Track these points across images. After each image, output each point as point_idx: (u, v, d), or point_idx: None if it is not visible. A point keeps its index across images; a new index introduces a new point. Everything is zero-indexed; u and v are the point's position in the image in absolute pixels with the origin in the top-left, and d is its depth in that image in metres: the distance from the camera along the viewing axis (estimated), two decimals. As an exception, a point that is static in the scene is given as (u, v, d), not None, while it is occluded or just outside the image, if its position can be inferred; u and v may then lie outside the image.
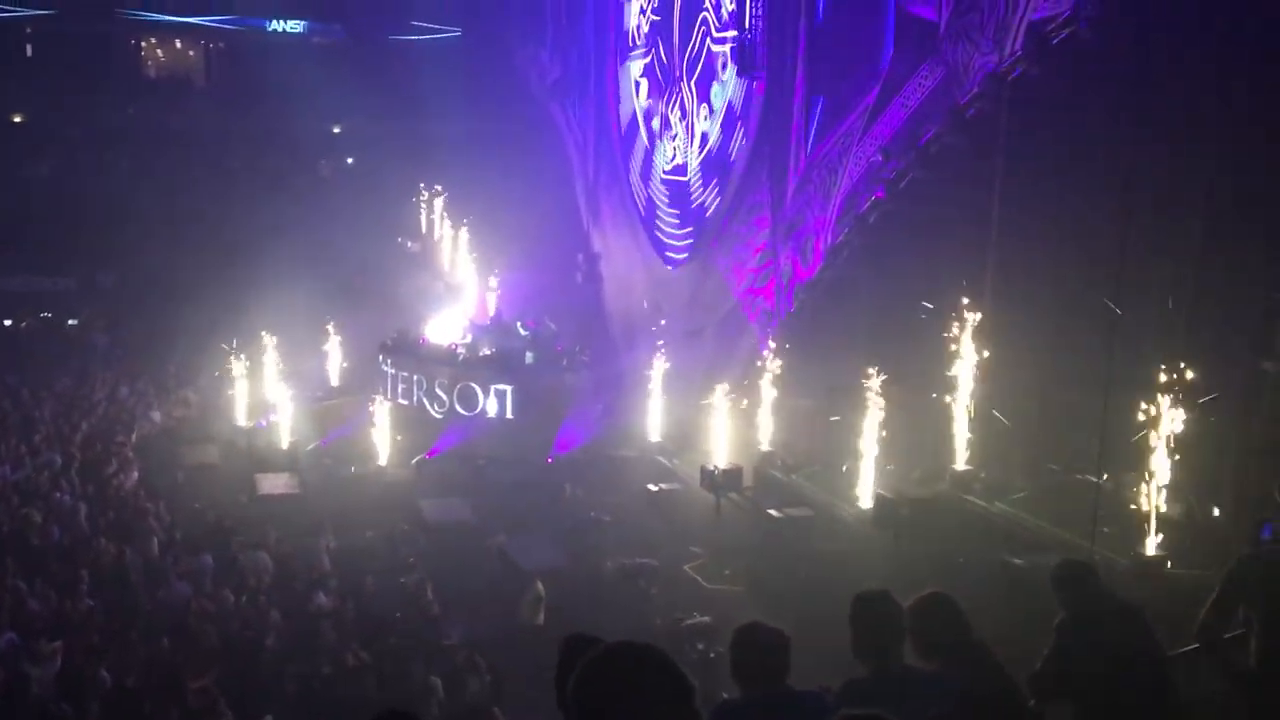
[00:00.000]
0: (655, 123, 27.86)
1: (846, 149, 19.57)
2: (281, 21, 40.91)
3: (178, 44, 43.24)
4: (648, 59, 28.09)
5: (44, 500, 16.96)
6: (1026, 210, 15.93)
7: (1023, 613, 9.18)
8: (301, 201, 35.36)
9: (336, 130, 41.41)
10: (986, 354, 16.04)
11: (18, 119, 40.04)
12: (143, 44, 42.90)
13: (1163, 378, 12.68)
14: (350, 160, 41.45)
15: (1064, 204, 15.32)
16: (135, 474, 19.46)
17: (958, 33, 16.70)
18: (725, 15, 23.72)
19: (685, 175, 26.38)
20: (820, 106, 20.61)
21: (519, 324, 25.09)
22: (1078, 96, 15.03)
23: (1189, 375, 12.63)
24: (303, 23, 41.12)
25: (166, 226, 32.38)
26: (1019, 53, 15.45)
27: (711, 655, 11.95)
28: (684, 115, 26.25)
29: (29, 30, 40.45)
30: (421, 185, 38.64)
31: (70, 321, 32.14)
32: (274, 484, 20.24)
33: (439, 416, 23.08)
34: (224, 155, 39.36)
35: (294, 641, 12.85)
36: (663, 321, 23.19)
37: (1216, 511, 13.42)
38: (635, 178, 29.35)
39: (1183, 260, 13.89)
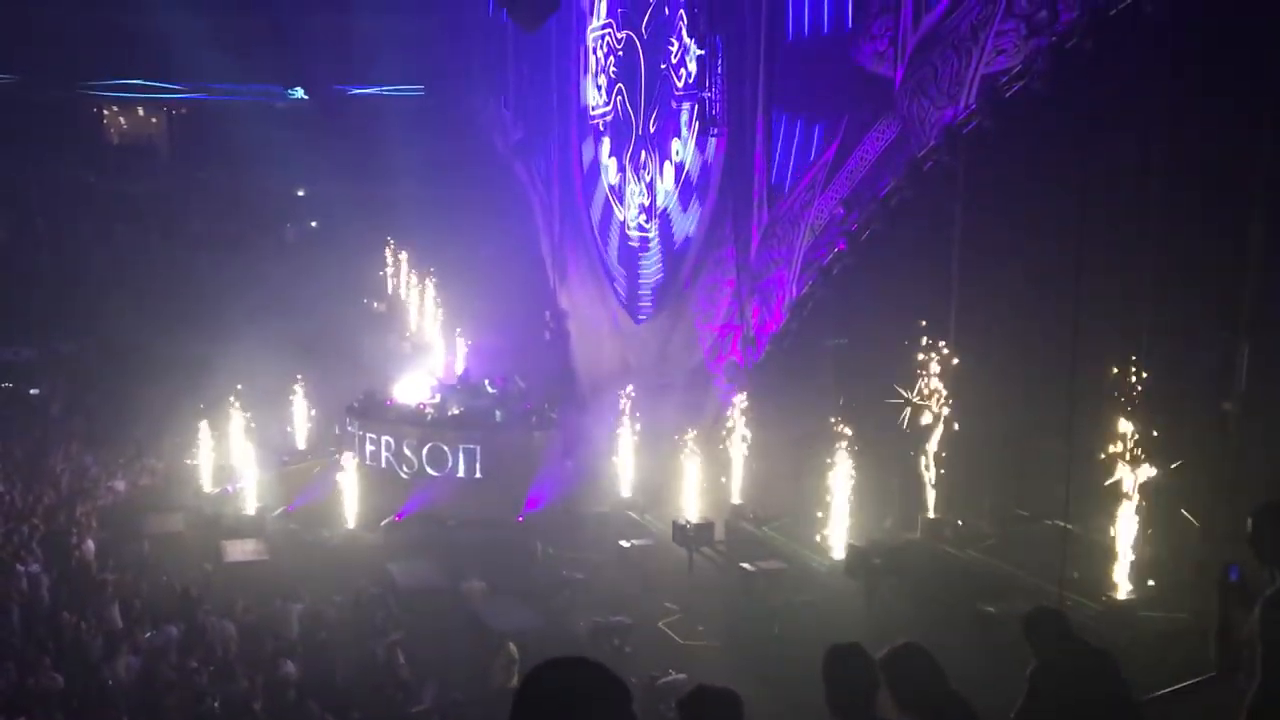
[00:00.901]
0: (619, 179, 28.09)
1: (808, 202, 19.80)
2: (244, 86, 41.03)
3: (140, 110, 43.30)
4: (610, 117, 28.39)
5: (5, 574, 16.67)
6: (987, 259, 16.13)
7: (997, 661, 9.17)
8: (266, 265, 35.29)
9: (301, 193, 41.46)
10: (951, 401, 16.16)
11: (-23, 188, 39.82)
12: (105, 110, 42.92)
13: (1124, 422, 12.82)
14: (315, 224, 41.47)
15: (1022, 252, 15.54)
16: (93, 544, 19.15)
17: (913, 88, 17.01)
18: (685, 73, 24.05)
19: (650, 231, 26.58)
20: (781, 161, 20.88)
21: (486, 382, 25.04)
22: (1031, 146, 15.30)
23: (1151, 417, 12.78)
24: (266, 87, 41.26)
25: (128, 293, 32.21)
26: (973, 106, 15.76)
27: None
28: (647, 171, 26.50)
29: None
30: (387, 245, 38.69)
31: (32, 391, 31.75)
32: (241, 551, 19.99)
33: (407, 477, 22.92)
34: (187, 220, 39.34)
35: (264, 710, 12.63)
36: (631, 376, 23.22)
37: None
38: (600, 234, 29.53)
39: (1139, 304, 14.08)
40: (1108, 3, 13.61)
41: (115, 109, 43.07)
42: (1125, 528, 12.97)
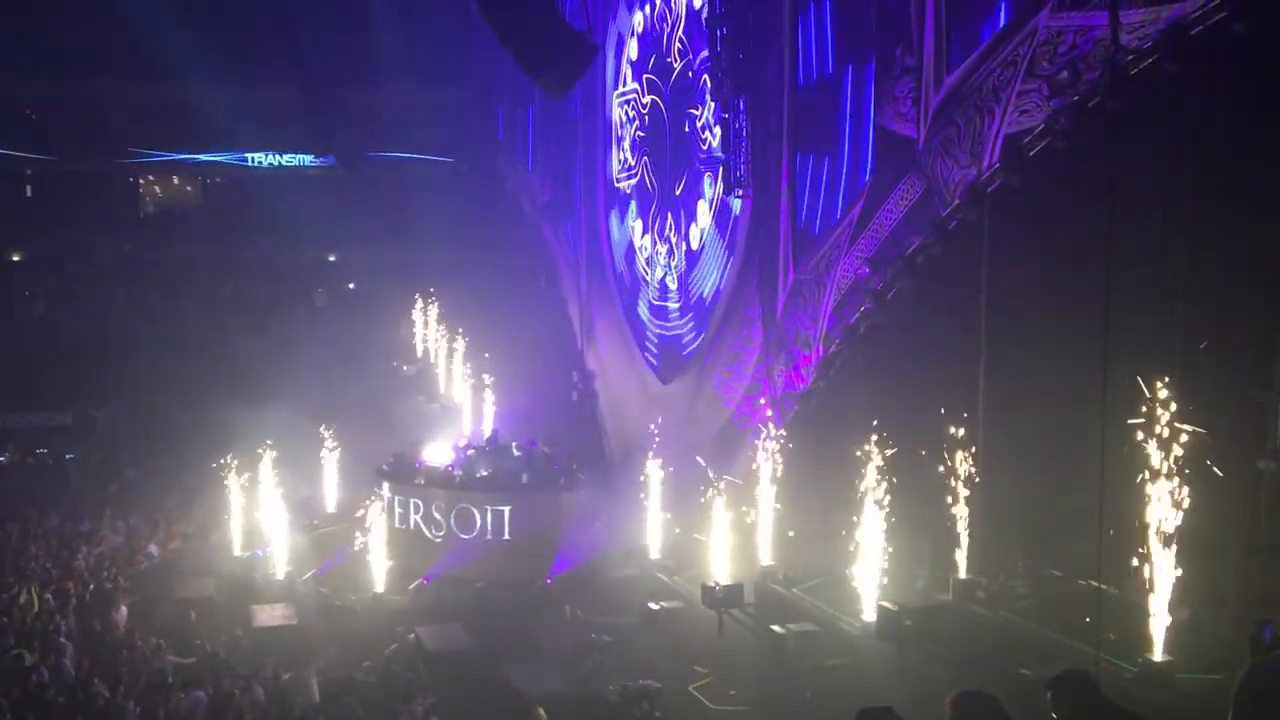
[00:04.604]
0: (645, 241, 28.32)
1: (833, 262, 19.87)
2: (276, 155, 41.80)
3: (175, 179, 44.13)
4: (636, 179, 28.69)
5: (40, 639, 16.76)
6: (1015, 315, 16.12)
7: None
8: (298, 330, 35.70)
9: (332, 258, 42.01)
10: (981, 463, 16.06)
11: (16, 257, 40.69)
12: (141, 180, 43.77)
13: (1157, 480, 12.68)
14: (351, 285, 41.99)
15: (1051, 307, 15.51)
16: (125, 609, 19.23)
17: (936, 148, 17.13)
18: (710, 136, 24.31)
19: (676, 292, 26.72)
20: (806, 221, 21.01)
21: (513, 445, 25.09)
22: (1057, 202, 15.33)
23: (1186, 475, 12.64)
24: (297, 155, 42.01)
25: (162, 359, 32.62)
26: (996, 165, 15.83)
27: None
28: (673, 233, 26.70)
29: (29, 170, 41.35)
30: (416, 308, 39.06)
31: (67, 456, 32.07)
32: (270, 615, 19.93)
33: (437, 540, 22.90)
34: (220, 287, 39.92)
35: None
36: (659, 437, 23.20)
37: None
38: (627, 296, 29.71)
39: (1171, 361, 13.99)
40: (1129, 62, 13.69)
41: (151, 178, 43.91)
42: (1160, 587, 12.78)
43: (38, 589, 19.43)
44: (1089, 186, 14.41)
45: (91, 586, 20.13)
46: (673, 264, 26.83)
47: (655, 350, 28.01)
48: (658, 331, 27.90)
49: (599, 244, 31.34)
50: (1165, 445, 12.85)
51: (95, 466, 30.86)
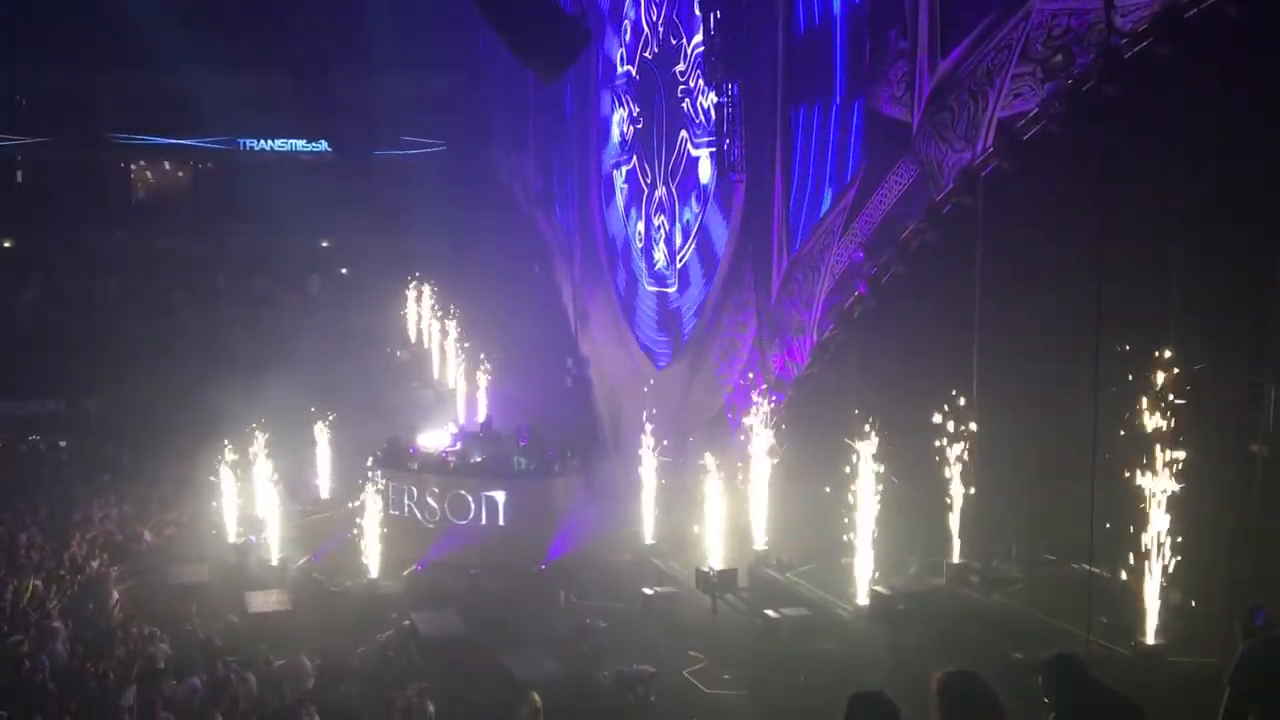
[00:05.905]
0: (639, 227, 28.25)
1: (828, 246, 19.85)
2: (268, 140, 41.63)
3: (166, 165, 43.89)
4: (630, 165, 28.60)
5: (36, 627, 16.73)
6: (1008, 300, 16.12)
7: (1025, 710, 9.03)
8: (291, 317, 35.61)
9: (325, 245, 41.88)
10: (974, 447, 16.08)
11: (7, 244, 40.54)
12: (132, 168, 43.54)
13: (1150, 464, 12.70)
14: (344, 270, 41.87)
15: (1044, 293, 15.51)
16: (119, 597, 19.21)
17: (930, 132, 17.09)
18: (705, 121, 24.23)
19: (670, 277, 26.67)
20: (800, 206, 20.96)
21: (509, 431, 25.06)
22: (1051, 187, 15.31)
23: (1179, 459, 12.66)
24: (289, 141, 41.84)
25: (154, 347, 32.53)
26: (990, 149, 15.80)
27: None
28: (667, 218, 26.64)
29: (19, 156, 41.13)
30: (410, 294, 38.99)
31: (60, 444, 32.01)
32: (265, 601, 19.94)
33: (431, 526, 22.89)
34: (212, 274, 39.77)
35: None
36: (653, 422, 23.20)
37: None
38: (620, 282, 29.65)
39: (1164, 346, 13.99)
40: (1123, 45, 13.66)
41: (142, 164, 43.68)
42: (1153, 571, 12.80)
43: (31, 576, 19.41)
44: (1083, 170, 14.43)
45: (80, 576, 20.10)
46: (666, 249, 26.77)
47: (647, 336, 27.97)
48: (650, 317, 27.85)
49: (592, 230, 31.26)
50: (1158, 429, 12.86)
51: (88, 455, 30.81)
